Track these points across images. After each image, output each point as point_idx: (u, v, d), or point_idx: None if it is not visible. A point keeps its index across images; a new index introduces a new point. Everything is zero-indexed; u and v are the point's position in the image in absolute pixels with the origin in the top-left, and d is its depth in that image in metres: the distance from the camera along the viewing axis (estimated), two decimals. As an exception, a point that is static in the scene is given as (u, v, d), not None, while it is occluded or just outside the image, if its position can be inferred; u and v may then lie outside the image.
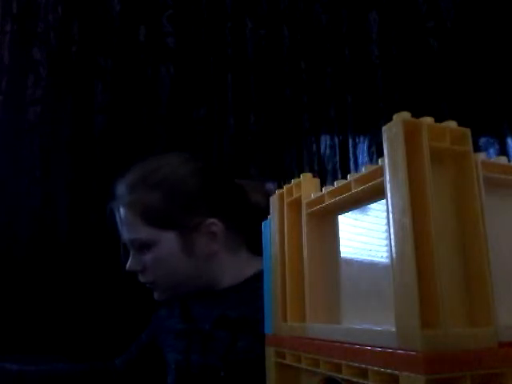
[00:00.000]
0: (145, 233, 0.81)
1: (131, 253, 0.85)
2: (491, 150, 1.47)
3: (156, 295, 0.87)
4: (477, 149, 0.32)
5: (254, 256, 0.87)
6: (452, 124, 0.32)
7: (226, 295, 0.84)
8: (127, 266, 0.84)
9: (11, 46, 1.55)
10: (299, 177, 0.43)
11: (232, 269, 0.85)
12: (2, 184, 1.45)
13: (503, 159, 0.35)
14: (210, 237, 0.82)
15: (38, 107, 1.51)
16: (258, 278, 0.82)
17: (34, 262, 1.40)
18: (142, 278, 0.85)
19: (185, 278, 0.83)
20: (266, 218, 0.49)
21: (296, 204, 0.43)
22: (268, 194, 0.90)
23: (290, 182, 0.45)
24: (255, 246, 0.85)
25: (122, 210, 0.83)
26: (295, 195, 0.43)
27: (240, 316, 0.79)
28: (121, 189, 0.84)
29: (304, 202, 0.42)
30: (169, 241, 0.81)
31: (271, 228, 0.47)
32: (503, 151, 1.48)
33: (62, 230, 1.44)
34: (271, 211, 0.47)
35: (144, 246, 0.81)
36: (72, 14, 1.57)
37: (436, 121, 0.32)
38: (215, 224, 0.82)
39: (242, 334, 0.77)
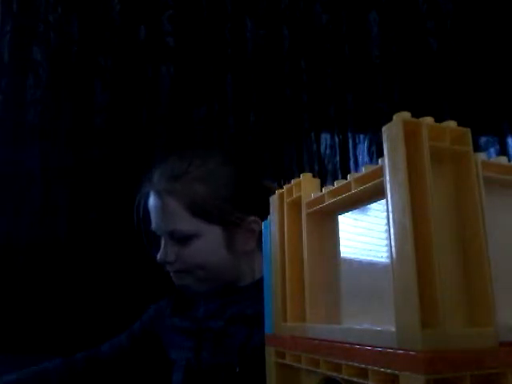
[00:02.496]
0: (190, 224, 0.80)
1: (164, 243, 0.83)
2: (491, 150, 1.47)
3: (180, 282, 0.85)
4: (477, 149, 0.32)
5: None
6: (452, 124, 0.32)
7: (244, 293, 0.84)
8: (159, 256, 0.83)
9: (11, 45, 1.55)
10: (299, 177, 0.43)
11: (258, 268, 0.86)
12: (1, 184, 1.45)
13: (503, 159, 0.35)
14: (250, 234, 0.83)
15: (38, 107, 1.51)
16: None
17: (33, 262, 1.40)
18: (170, 268, 0.84)
19: (219, 272, 0.83)
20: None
21: (296, 204, 0.43)
22: None
23: (289, 182, 0.44)
24: None
25: (164, 198, 0.81)
26: (295, 195, 0.43)
27: (256, 312, 0.79)
28: (161, 176, 0.83)
29: (304, 201, 0.42)
30: (213, 234, 0.81)
31: (271, 228, 0.47)
32: (503, 151, 1.48)
33: (62, 230, 1.44)
34: (271, 211, 0.47)
35: (184, 238, 0.80)
36: (72, 14, 1.57)
37: (436, 121, 0.31)
38: (256, 222, 0.83)
39: (258, 331, 0.77)
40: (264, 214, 0.84)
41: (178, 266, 0.83)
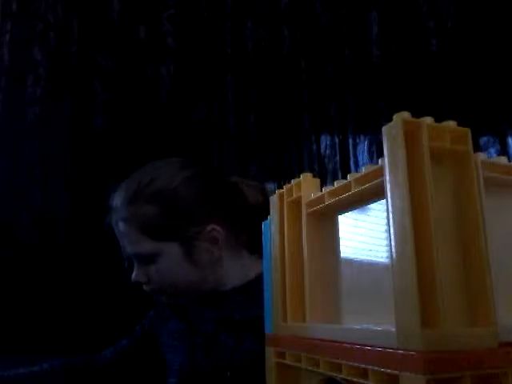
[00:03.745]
0: (147, 246, 0.80)
1: (135, 265, 0.84)
2: (492, 150, 1.47)
3: (160, 301, 0.87)
4: (477, 149, 0.32)
5: (257, 257, 0.87)
6: (452, 124, 0.32)
7: (230, 297, 0.84)
8: (132, 277, 0.84)
9: (11, 45, 1.55)
10: (299, 177, 0.43)
11: (235, 271, 0.85)
12: (1, 184, 1.45)
13: (503, 159, 0.35)
14: (211, 243, 0.82)
15: (37, 107, 1.51)
16: (261, 279, 0.83)
17: (33, 262, 1.40)
18: (147, 288, 0.85)
19: (190, 286, 0.83)
20: (266, 217, 0.49)
21: (296, 204, 0.43)
22: (266, 192, 0.89)
23: (289, 182, 0.44)
24: (257, 247, 0.85)
25: (120, 224, 0.82)
26: (295, 195, 0.43)
27: (244, 318, 0.79)
28: (117, 202, 0.83)
29: (304, 202, 0.42)
30: (172, 252, 0.81)
31: (271, 228, 0.47)
32: (504, 151, 1.48)
33: (62, 230, 1.44)
34: (271, 211, 0.47)
35: (148, 259, 0.81)
36: (72, 14, 1.57)
37: (436, 121, 0.31)
38: (216, 230, 0.82)
39: (247, 336, 0.77)
40: (232, 215, 0.83)
41: (153, 286, 0.84)
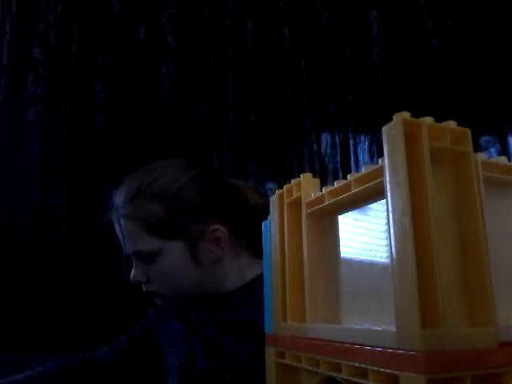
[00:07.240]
0: (149, 244, 0.79)
1: (134, 264, 0.84)
2: (492, 150, 1.47)
3: (159, 303, 0.86)
4: (477, 149, 0.32)
5: (256, 258, 0.86)
6: (452, 124, 0.32)
7: (229, 299, 0.84)
8: (131, 277, 0.83)
9: (11, 45, 1.55)
10: (299, 176, 0.43)
11: (235, 272, 0.85)
12: (1, 184, 1.45)
13: (503, 159, 0.35)
14: (214, 243, 0.82)
15: (37, 106, 1.51)
16: (259, 280, 0.83)
17: (32, 262, 1.40)
18: (145, 288, 0.84)
19: (190, 287, 0.83)
20: (266, 218, 0.49)
21: (296, 204, 0.43)
22: (264, 195, 0.90)
23: (290, 182, 0.44)
24: (257, 248, 0.86)
25: (122, 221, 0.81)
26: (295, 195, 0.43)
27: (243, 319, 0.79)
28: (119, 200, 0.83)
29: (304, 202, 0.42)
30: (175, 250, 0.80)
31: (271, 228, 0.47)
32: (504, 150, 1.48)
33: (62, 230, 1.44)
34: (271, 211, 0.47)
35: (149, 257, 0.80)
36: (72, 13, 1.57)
37: (436, 121, 0.31)
38: (219, 230, 0.81)
39: (246, 337, 0.77)
40: (234, 216, 0.83)
41: (153, 287, 0.83)
